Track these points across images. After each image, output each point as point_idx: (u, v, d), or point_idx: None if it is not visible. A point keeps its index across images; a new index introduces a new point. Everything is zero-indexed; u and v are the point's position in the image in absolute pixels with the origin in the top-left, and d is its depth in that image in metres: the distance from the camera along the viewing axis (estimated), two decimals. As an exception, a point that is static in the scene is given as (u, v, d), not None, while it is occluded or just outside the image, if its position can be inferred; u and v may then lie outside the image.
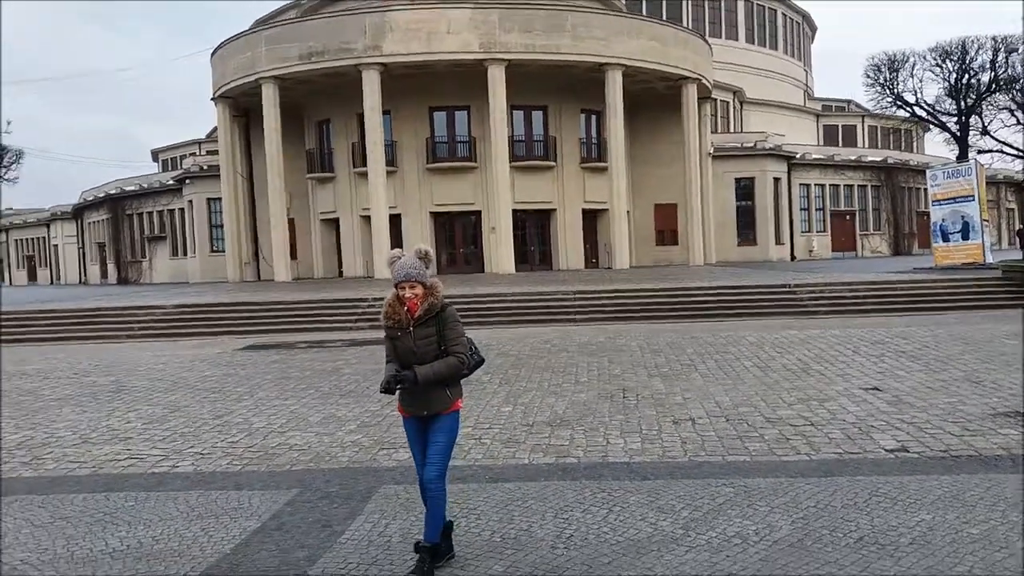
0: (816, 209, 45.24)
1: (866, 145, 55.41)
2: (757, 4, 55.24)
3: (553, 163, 32.63)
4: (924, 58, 28.55)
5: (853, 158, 46.95)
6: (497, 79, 29.07)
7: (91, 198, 54.39)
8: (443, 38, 28.77)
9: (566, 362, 11.64)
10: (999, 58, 26.25)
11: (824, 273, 23.81)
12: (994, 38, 26.97)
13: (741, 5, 53.81)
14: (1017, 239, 52.50)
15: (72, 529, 5.09)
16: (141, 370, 12.57)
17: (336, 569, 4.17)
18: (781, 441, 6.70)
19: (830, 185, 45.56)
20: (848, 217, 46.40)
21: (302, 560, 4.32)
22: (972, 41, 29.53)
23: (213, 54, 33.97)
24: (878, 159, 47.52)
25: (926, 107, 28.92)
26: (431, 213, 32.36)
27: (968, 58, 27.29)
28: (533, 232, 33.61)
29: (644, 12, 48.60)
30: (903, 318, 15.82)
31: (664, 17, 49.30)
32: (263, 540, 4.66)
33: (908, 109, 29.49)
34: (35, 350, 16.45)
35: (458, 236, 33.46)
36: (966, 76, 27.48)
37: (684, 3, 51.18)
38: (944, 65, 27.44)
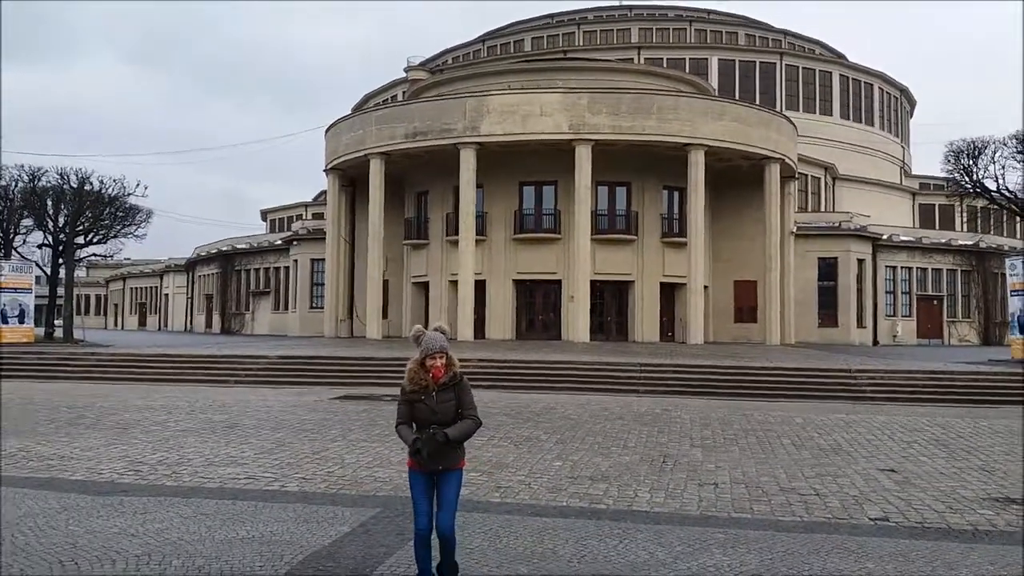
0: (902, 292, 44.82)
1: (964, 226, 54.37)
2: (853, 79, 55.70)
3: (634, 237, 34.04)
4: (1005, 144, 28.87)
5: (943, 241, 46.47)
6: (584, 157, 30.96)
7: (204, 253, 58.95)
8: (536, 120, 30.99)
9: (620, 429, 12.89)
10: None
11: (893, 360, 24.16)
12: None
13: (836, 80, 54.44)
14: None
15: (210, 522, 6.77)
16: (249, 411, 14.51)
17: (405, 559, 5.66)
18: (784, 505, 7.84)
19: (917, 268, 45.13)
20: (936, 302, 45.74)
21: (381, 553, 5.85)
22: None
23: (328, 130, 37.31)
24: (969, 242, 46.85)
25: (1007, 194, 29.04)
26: (514, 280, 34.17)
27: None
28: (611, 302, 34.90)
29: (737, 90, 50.19)
30: (954, 408, 16.35)
31: (757, 93, 50.77)
32: (352, 539, 6.23)
33: (987, 196, 29.66)
34: (156, 388, 18.76)
35: (538, 303, 35.07)
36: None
37: (778, 80, 52.27)
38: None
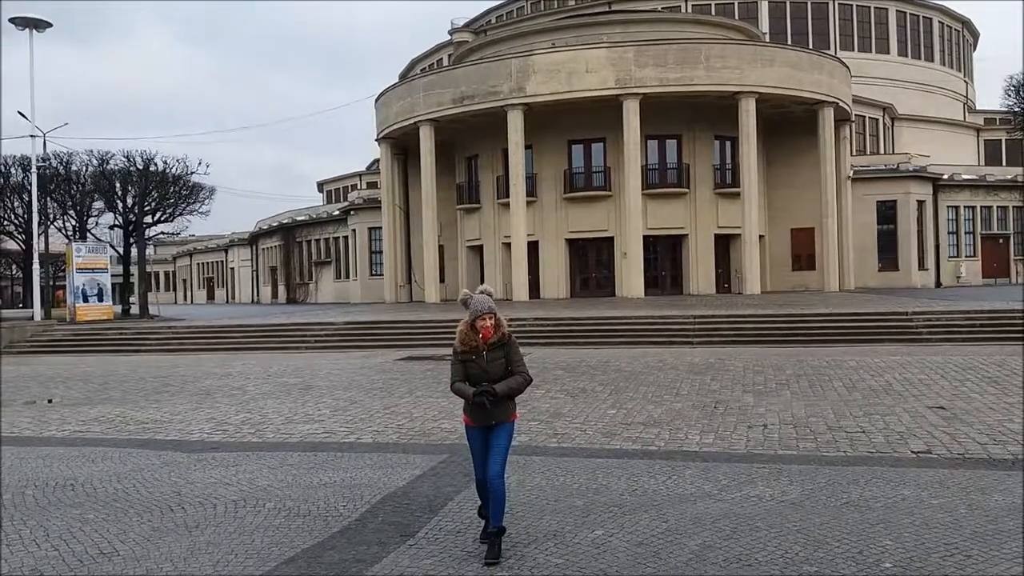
0: (966, 232, 43.73)
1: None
2: (911, 14, 53.71)
3: (686, 189, 33.96)
4: None
5: (1007, 177, 45.02)
6: (632, 112, 30.91)
7: (265, 227, 60.64)
8: (582, 77, 31.00)
9: (673, 378, 13.30)
10: None
11: (952, 301, 23.88)
12: None
13: (893, 16, 52.57)
14: None
15: (295, 471, 7.48)
16: (321, 374, 15.36)
17: (471, 496, 6.25)
18: (830, 443, 8.20)
19: (981, 207, 43.92)
20: (1001, 241, 44.50)
21: (450, 492, 6.47)
22: None
23: (377, 99, 37.92)
24: (1037, 179, 45.29)
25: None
26: (566, 240, 34.51)
27: None
28: (665, 257, 35.00)
29: (789, 32, 49.00)
30: (1012, 347, 16.25)
31: (810, 35, 49.50)
32: (424, 480, 6.86)
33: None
34: (232, 357, 19.84)
35: (591, 261, 35.38)
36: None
37: (831, 20, 50.79)
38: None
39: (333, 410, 11.01)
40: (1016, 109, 30.70)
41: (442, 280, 36.93)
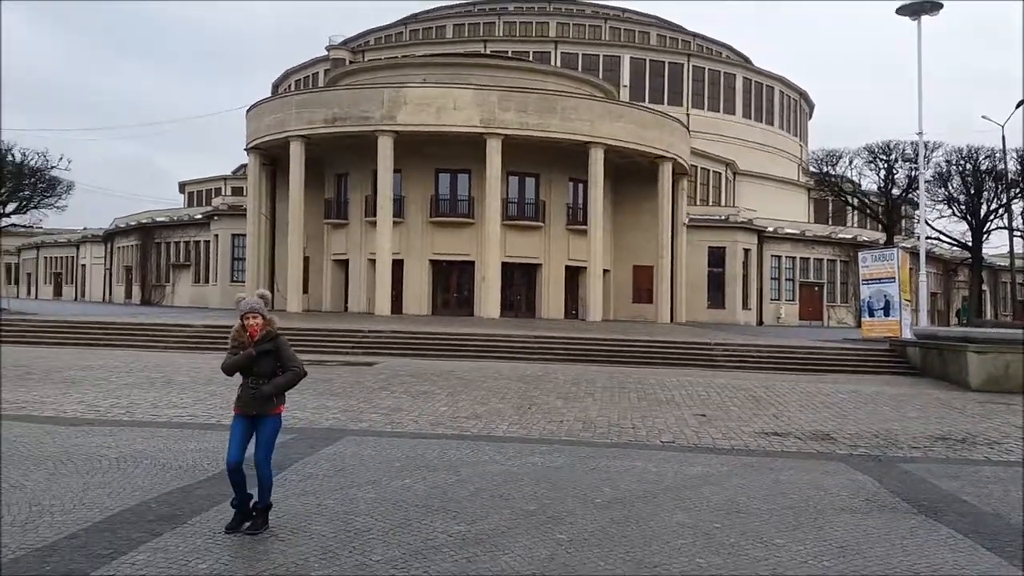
0: (786, 279, 49.21)
1: (855, 221, 58.91)
2: (756, 81, 59.86)
3: (542, 223, 36.79)
4: (859, 155, 32.97)
5: (824, 233, 50.99)
6: (494, 149, 33.41)
7: (123, 225, 59.03)
8: (450, 113, 33.25)
9: (503, 386, 15.45)
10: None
11: (753, 336, 27.62)
12: (914, 142, 31.24)
13: (740, 82, 58.41)
14: (955, 317, 56.29)
15: (165, 441, 8.97)
16: (182, 371, 16.46)
17: (312, 462, 8.00)
18: (604, 434, 10.50)
19: (800, 257, 49.58)
20: (817, 288, 50.29)
21: (295, 457, 8.23)
22: (896, 144, 34.05)
23: (249, 110, 38.63)
24: (848, 235, 51.49)
25: (860, 198, 33.18)
26: (430, 260, 36.46)
27: (893, 157, 31.68)
28: (520, 283, 37.62)
29: (648, 88, 53.46)
30: (789, 375, 19.55)
31: (666, 91, 54.24)
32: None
33: (843, 198, 33.77)
34: (90, 352, 20.38)
35: (453, 282, 37.49)
36: (893, 173, 31.87)
37: (685, 80, 55.71)
38: (874, 163, 31.74)
39: (195, 400, 12.40)
40: (814, 179, 35.64)
41: (305, 291, 37.88)
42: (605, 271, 37.68)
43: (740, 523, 6.34)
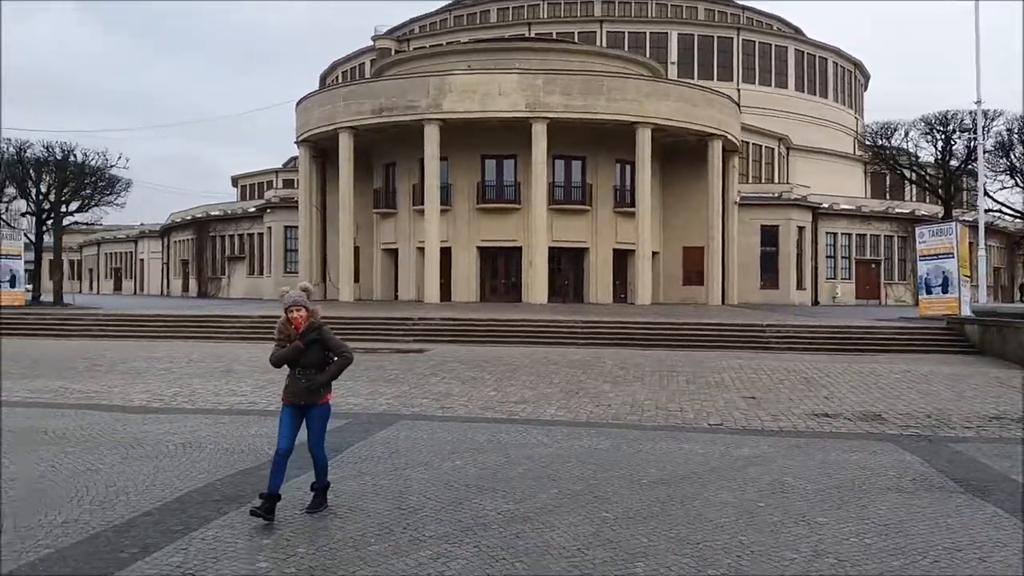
0: (842, 257, 48.20)
1: (913, 195, 57.21)
2: (808, 53, 58.47)
3: (588, 207, 36.72)
4: (915, 127, 31.99)
5: (881, 209, 49.77)
6: (540, 134, 33.44)
7: (178, 219, 60.69)
8: (495, 98, 33.37)
9: (551, 371, 15.63)
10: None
11: (805, 317, 27.24)
12: (972, 111, 30.15)
13: (792, 54, 57.13)
14: (1018, 292, 54.37)
15: (228, 427, 9.38)
16: (241, 360, 17.04)
17: (366, 446, 8.30)
18: (652, 417, 10.61)
19: (856, 234, 48.47)
20: (874, 265, 49.17)
21: (351, 441, 8.55)
22: (953, 114, 32.88)
23: (298, 104, 39.35)
24: (906, 211, 50.19)
25: (917, 171, 32.25)
26: (478, 247, 36.74)
27: (951, 127, 30.69)
28: (568, 267, 37.68)
29: (696, 64, 52.76)
30: (841, 355, 19.30)
31: (715, 67, 53.46)
32: (331, 435, 8.92)
33: (899, 172, 32.84)
34: (151, 344, 21.18)
35: (500, 268, 37.72)
36: (951, 144, 30.87)
37: (735, 55, 54.77)
38: (931, 135, 30.80)
39: (253, 388, 12.87)
40: (869, 152, 34.76)
41: (356, 280, 38.54)
42: (654, 253, 37.48)
43: (784, 502, 6.42)
